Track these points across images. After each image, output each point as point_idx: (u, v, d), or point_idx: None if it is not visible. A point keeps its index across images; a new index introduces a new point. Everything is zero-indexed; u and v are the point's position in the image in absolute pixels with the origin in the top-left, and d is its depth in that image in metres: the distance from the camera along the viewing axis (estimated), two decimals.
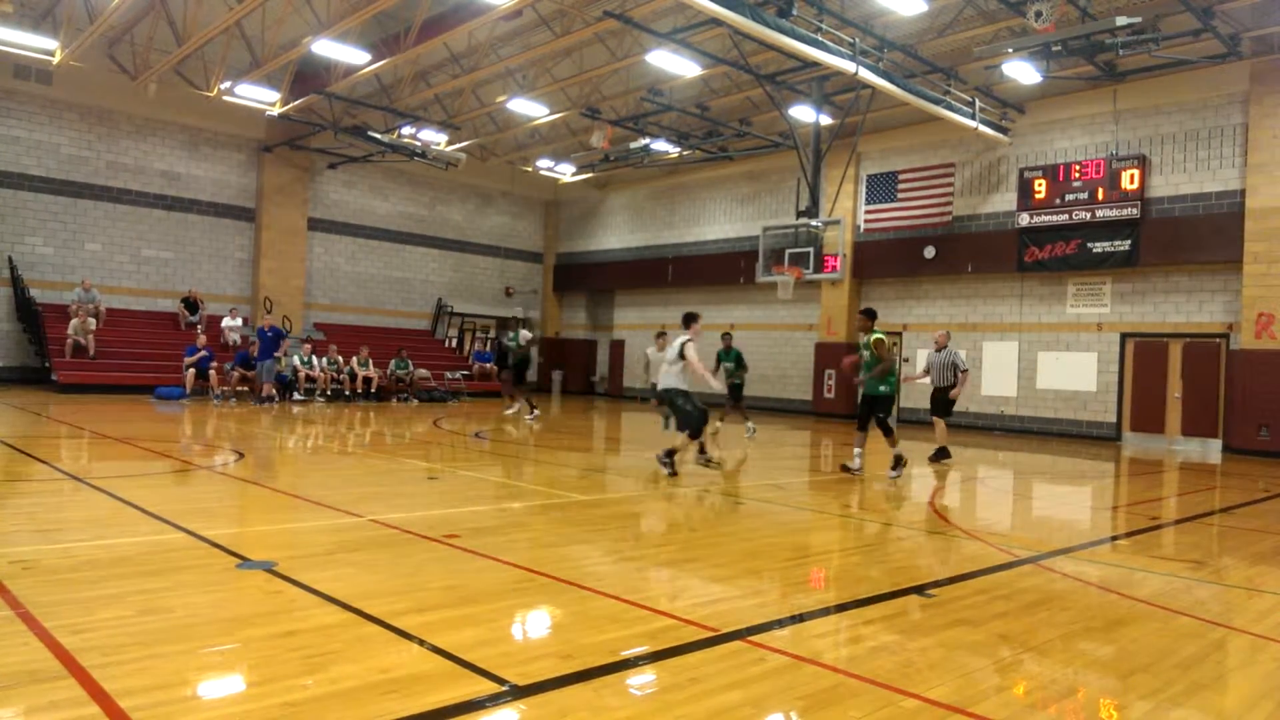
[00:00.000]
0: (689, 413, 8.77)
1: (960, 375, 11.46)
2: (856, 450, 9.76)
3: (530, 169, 26.27)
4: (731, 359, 14.33)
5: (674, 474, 8.73)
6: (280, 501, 7.03)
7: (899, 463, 9.58)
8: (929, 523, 7.26)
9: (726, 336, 14.92)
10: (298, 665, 3.17)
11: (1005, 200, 18.69)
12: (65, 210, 19.74)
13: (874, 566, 5.40)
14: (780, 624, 3.96)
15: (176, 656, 3.22)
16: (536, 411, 16.21)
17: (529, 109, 20.13)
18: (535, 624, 3.97)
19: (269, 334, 17.29)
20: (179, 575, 4.38)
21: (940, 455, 11.44)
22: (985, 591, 4.79)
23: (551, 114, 20.40)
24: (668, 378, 8.91)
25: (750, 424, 14.59)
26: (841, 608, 4.35)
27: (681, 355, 8.76)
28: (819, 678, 3.28)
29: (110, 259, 20.39)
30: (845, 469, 9.84)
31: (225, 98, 18.89)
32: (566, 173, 26.09)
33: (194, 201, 21.63)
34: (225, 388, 17.65)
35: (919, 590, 4.72)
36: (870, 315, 9.77)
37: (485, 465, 9.96)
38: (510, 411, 16.39)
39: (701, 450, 9.60)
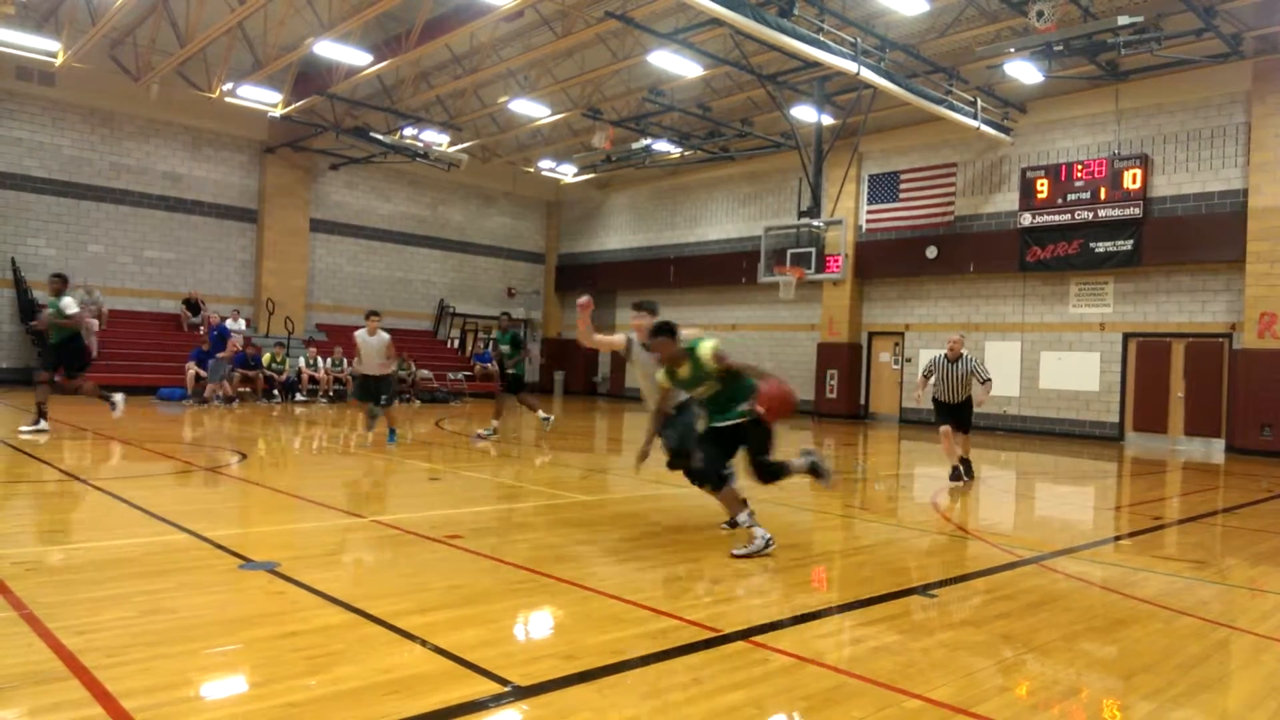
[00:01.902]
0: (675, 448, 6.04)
1: (984, 386, 9.37)
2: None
3: (532, 170, 26.28)
4: (506, 341, 12.55)
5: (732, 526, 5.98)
6: (282, 502, 7.04)
7: (961, 474, 8.24)
8: (931, 523, 7.25)
9: (503, 316, 13.82)
10: (300, 666, 3.17)
11: (1007, 200, 18.68)
12: (68, 212, 19.77)
13: (876, 567, 5.39)
14: (783, 624, 3.96)
15: (179, 657, 3.22)
16: (43, 424, 10.51)
17: (530, 110, 20.14)
18: (537, 624, 3.97)
19: (215, 333, 17.24)
20: (182, 576, 4.39)
21: (966, 471, 9.55)
22: (988, 592, 4.78)
23: (553, 115, 20.41)
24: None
25: (544, 413, 12.83)
26: (844, 608, 4.35)
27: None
28: (821, 678, 3.28)
29: (113, 260, 20.42)
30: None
31: (227, 99, 18.92)
32: (568, 173, 26.09)
33: (196, 203, 21.65)
34: (224, 389, 17.62)
35: (921, 590, 4.72)
36: (668, 332, 5.58)
37: (487, 466, 9.96)
38: (28, 429, 10.40)
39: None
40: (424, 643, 3.45)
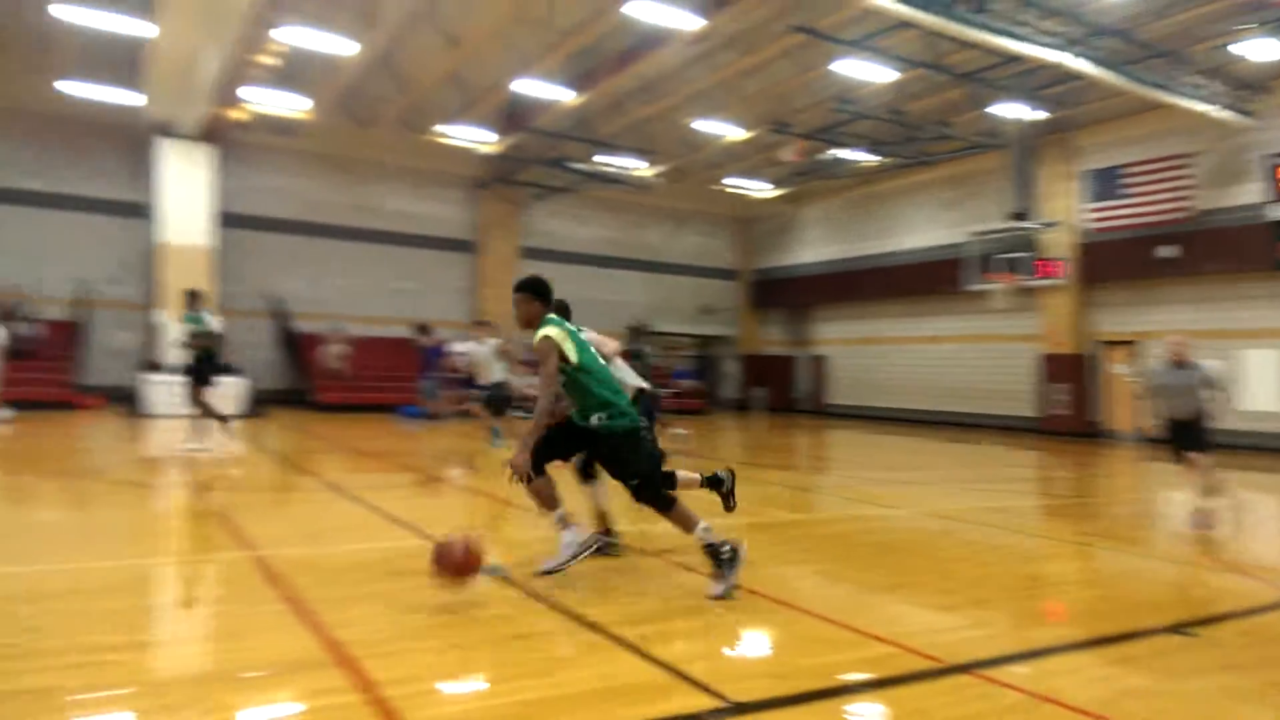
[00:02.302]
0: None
1: (1222, 397, 7.74)
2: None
3: (722, 188, 26.47)
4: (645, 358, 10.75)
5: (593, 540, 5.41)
6: (503, 511, 7.52)
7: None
8: (1183, 553, 6.50)
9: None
10: (530, 666, 3.38)
11: (1253, 191, 16.40)
12: (314, 249, 22.30)
13: (1120, 600, 4.91)
14: (1011, 659, 3.71)
15: (425, 652, 3.54)
16: (229, 423, 10.67)
17: (719, 129, 20.35)
18: (748, 642, 3.98)
19: (431, 353, 18.28)
20: (421, 578, 4.75)
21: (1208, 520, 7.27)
22: (1252, 633, 4.22)
23: (741, 132, 20.50)
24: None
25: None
26: (1082, 644, 4.00)
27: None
28: (1060, 718, 3.04)
29: (355, 291, 22.75)
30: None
31: (442, 140, 20.65)
32: (758, 189, 26.06)
33: (422, 237, 23.75)
34: (454, 408, 18.87)
35: (1175, 629, 4.23)
36: (530, 289, 5.04)
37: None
38: (196, 446, 10.13)
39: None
40: (640, 652, 3.55)
